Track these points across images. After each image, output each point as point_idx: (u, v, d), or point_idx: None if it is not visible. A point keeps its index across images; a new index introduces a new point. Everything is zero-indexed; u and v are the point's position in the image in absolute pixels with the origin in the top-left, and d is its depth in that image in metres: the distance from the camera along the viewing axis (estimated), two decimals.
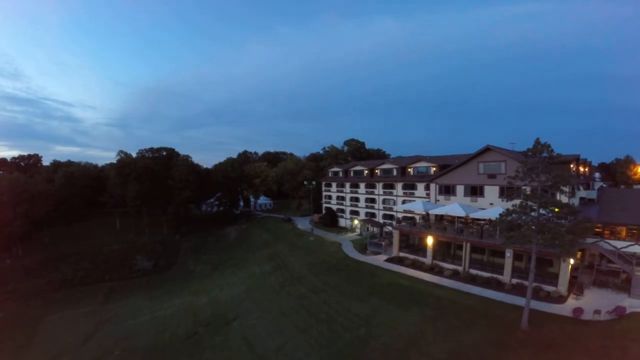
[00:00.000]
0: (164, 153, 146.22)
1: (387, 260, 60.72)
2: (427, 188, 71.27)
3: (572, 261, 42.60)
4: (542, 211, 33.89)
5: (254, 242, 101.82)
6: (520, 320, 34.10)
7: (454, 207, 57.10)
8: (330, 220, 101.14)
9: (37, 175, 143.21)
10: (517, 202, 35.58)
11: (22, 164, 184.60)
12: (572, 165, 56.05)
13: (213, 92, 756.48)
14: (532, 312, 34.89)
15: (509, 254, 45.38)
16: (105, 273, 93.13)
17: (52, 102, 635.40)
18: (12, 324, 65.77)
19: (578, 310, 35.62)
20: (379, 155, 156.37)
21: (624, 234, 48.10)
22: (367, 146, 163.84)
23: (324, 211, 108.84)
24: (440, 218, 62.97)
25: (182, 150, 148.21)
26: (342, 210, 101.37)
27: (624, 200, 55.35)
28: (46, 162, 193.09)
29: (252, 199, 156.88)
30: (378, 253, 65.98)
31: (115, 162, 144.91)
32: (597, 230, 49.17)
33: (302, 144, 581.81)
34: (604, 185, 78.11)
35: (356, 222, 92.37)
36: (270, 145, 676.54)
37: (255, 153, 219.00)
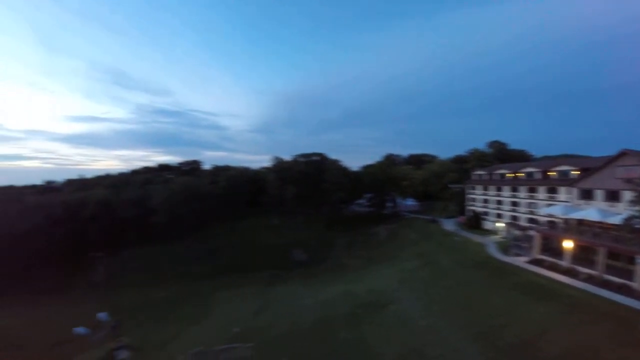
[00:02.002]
0: (316, 158, 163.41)
1: (527, 262, 66.42)
2: (569, 192, 74.63)
3: None
4: None
5: (403, 241, 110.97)
6: None
7: (590, 212, 61.26)
8: (475, 222, 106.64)
9: (202, 178, 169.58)
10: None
11: (186, 168, 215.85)
12: None
13: (347, 94, 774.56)
14: None
15: (639, 260, 48.90)
16: (265, 262, 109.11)
17: (198, 112, 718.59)
18: (185, 299, 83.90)
19: None
20: (522, 157, 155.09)
21: None
22: (511, 146, 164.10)
23: (468, 213, 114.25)
24: (580, 222, 66.36)
25: (324, 152, 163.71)
26: (486, 213, 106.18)
27: None
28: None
29: (399, 201, 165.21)
30: (519, 255, 71.46)
31: (270, 166, 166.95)
32: None
33: (439, 143, 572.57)
34: None
35: (500, 224, 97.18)
36: (405, 146, 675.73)
37: (399, 156, 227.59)
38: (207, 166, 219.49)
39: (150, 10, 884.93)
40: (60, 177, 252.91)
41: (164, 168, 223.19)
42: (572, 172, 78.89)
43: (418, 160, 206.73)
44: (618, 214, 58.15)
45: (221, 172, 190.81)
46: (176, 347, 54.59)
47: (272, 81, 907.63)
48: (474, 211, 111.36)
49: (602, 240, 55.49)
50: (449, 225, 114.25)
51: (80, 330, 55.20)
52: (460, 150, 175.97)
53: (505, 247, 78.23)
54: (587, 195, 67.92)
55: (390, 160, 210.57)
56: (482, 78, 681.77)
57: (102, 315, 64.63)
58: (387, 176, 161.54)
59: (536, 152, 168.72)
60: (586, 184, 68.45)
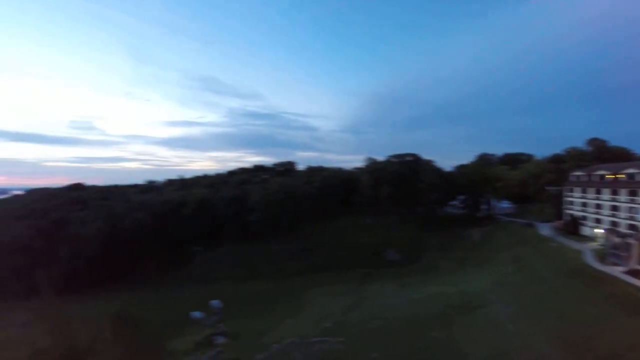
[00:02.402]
0: (409, 158, 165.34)
1: (625, 272, 65.04)
2: None
3: None
4: None
5: (497, 244, 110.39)
6: None
7: None
8: (572, 227, 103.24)
9: (297, 179, 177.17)
10: None
11: (280, 169, 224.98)
12: None
13: (436, 91, 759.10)
14: None
15: None
16: (358, 261, 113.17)
17: (289, 114, 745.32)
18: (279, 294, 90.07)
19: None
20: (625, 155, 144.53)
21: None
22: (612, 143, 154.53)
23: (566, 218, 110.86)
24: None
25: (413, 151, 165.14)
26: (584, 218, 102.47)
27: None
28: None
29: (493, 203, 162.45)
30: (617, 264, 69.82)
31: (363, 166, 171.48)
32: None
33: (534, 141, 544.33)
34: None
35: (598, 230, 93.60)
36: (500, 144, 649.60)
37: (493, 155, 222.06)
38: (300, 167, 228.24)
39: (237, 18, 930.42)
40: (159, 178, 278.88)
41: (259, 169, 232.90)
42: None
43: (513, 160, 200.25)
44: None
45: (315, 172, 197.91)
46: (270, 337, 60.44)
47: (360, 81, 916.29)
48: (571, 215, 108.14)
49: None
50: (545, 229, 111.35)
51: (196, 314, 62.70)
52: (559, 148, 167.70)
53: (602, 256, 76.37)
54: None
55: (484, 160, 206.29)
56: (581, 70, 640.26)
57: (215, 303, 72.15)
58: (481, 177, 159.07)
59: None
60: None
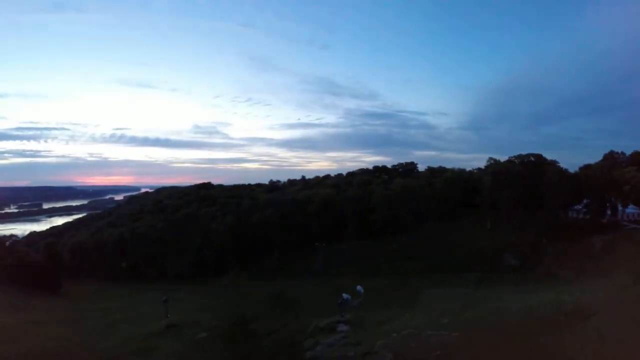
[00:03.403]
0: (532, 158, 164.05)
1: None
2: None
3: None
4: None
5: (619, 254, 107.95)
6: None
7: None
8: None
9: (419, 180, 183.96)
10: None
11: (401, 170, 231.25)
12: None
13: (566, 80, 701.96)
14: None
15: None
16: (475, 264, 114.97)
17: (406, 113, 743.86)
18: (397, 290, 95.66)
19: None
20: None
21: None
22: None
23: None
24: None
25: (539, 149, 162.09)
26: None
27: None
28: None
29: (619, 208, 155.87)
30: None
31: (484, 167, 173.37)
32: None
33: None
34: None
35: None
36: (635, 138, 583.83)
37: (623, 153, 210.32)
38: (420, 166, 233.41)
39: (350, 20, 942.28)
40: (279, 177, 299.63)
41: (379, 169, 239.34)
42: None
43: None
44: None
45: (437, 173, 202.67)
46: (389, 327, 68.93)
47: (477, 75, 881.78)
48: None
49: None
50: None
51: (346, 296, 73.50)
52: None
53: None
54: None
55: (611, 160, 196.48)
56: None
57: (359, 287, 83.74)
58: (607, 179, 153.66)
59: None
60: None
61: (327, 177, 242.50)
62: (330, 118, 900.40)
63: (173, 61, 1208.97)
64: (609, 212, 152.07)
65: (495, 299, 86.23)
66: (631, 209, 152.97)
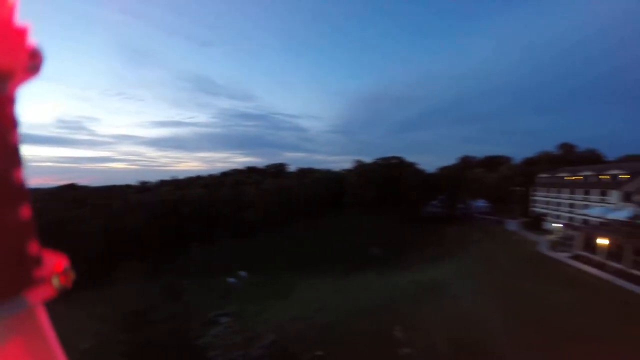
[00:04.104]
0: (394, 161, 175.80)
1: (569, 257, 75.24)
2: (616, 195, 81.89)
3: None
4: None
5: (469, 240, 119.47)
6: None
7: (620, 213, 69.03)
8: (535, 223, 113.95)
9: (290, 180, 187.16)
10: None
11: (272, 170, 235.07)
12: None
13: (435, 92, 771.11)
14: None
15: None
16: (344, 257, 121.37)
17: (279, 115, 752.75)
18: (273, 283, 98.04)
19: None
20: (592, 158, 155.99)
21: None
22: (587, 146, 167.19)
23: (531, 215, 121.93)
24: (624, 223, 73.64)
25: (404, 153, 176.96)
26: (546, 214, 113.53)
27: None
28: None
29: (470, 202, 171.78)
30: (564, 251, 79.97)
31: (352, 168, 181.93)
32: None
33: (526, 141, 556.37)
34: None
35: (556, 225, 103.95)
36: (493, 145, 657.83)
37: (474, 157, 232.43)
38: (290, 167, 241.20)
39: (233, 20, 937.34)
40: (146, 178, 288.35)
41: (251, 170, 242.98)
42: (621, 177, 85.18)
43: (492, 162, 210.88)
44: None
45: (307, 173, 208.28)
46: (269, 315, 69.42)
47: (351, 82, 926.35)
48: (535, 212, 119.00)
49: (629, 238, 63.43)
50: (512, 226, 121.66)
51: (231, 280, 69.72)
52: (541, 148, 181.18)
53: (554, 245, 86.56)
54: (627, 197, 75.00)
55: (465, 163, 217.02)
56: (589, 71, 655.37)
57: (242, 273, 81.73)
58: (459, 179, 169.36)
59: (617, 151, 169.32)
60: (629, 187, 75.56)
61: (199, 177, 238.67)
62: (202, 117, 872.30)
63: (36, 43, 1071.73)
64: (461, 206, 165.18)
65: (362, 284, 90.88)
66: (481, 203, 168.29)
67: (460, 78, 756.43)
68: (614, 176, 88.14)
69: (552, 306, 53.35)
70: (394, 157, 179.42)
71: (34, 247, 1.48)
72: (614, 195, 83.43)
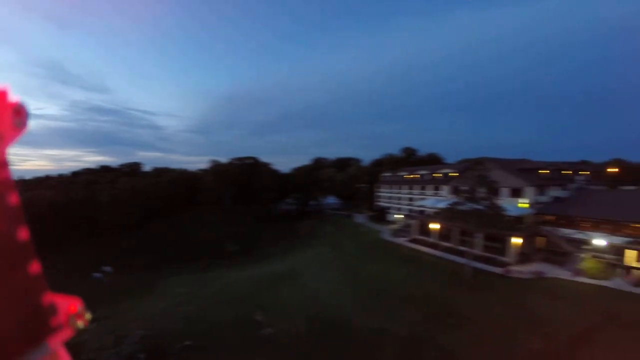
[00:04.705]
0: (249, 161, 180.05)
1: (407, 241, 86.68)
2: (446, 189, 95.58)
3: (517, 240, 65.59)
4: (474, 204, 59.82)
5: (321, 232, 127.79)
6: (469, 273, 60.72)
7: (446, 202, 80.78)
8: (380, 215, 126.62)
9: (146, 179, 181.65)
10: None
11: (126, 170, 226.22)
12: (547, 171, 79.71)
13: (292, 96, 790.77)
14: (481, 271, 61.75)
15: (477, 235, 69.13)
16: (202, 253, 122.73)
17: (136, 111, 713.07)
18: (131, 284, 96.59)
19: (507, 270, 60.99)
20: (433, 160, 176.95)
21: (579, 224, 69.38)
22: (425, 151, 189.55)
23: (376, 209, 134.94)
24: (450, 210, 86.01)
25: (262, 154, 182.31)
26: (389, 208, 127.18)
27: (589, 199, 76.35)
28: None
29: (322, 199, 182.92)
30: (404, 237, 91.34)
31: (208, 168, 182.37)
32: (552, 220, 72.50)
33: (376, 145, 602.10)
34: (592, 186, 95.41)
35: (398, 216, 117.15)
36: (346, 147, 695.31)
37: (326, 159, 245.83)
38: (146, 167, 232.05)
39: (98, 5, 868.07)
40: None
41: (105, 169, 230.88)
42: (451, 174, 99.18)
43: (343, 163, 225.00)
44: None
45: (162, 173, 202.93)
46: (136, 313, 68.19)
47: (211, 82, 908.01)
48: (380, 206, 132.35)
49: (455, 222, 74.77)
50: (359, 219, 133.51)
51: (97, 275, 65.81)
52: (389, 151, 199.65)
53: (395, 232, 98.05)
54: (455, 191, 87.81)
55: (318, 164, 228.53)
56: (414, 86, 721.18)
57: (107, 268, 77.24)
58: (313, 178, 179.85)
59: (458, 156, 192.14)
60: (456, 182, 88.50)
61: (48, 177, 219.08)
62: (53, 109, 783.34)
63: None
64: (313, 202, 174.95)
65: (222, 277, 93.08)
66: (332, 200, 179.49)
67: (317, 85, 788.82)
68: (446, 174, 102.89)
69: (391, 279, 62.24)
70: (249, 157, 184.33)
71: (47, 297, 1.67)
72: (445, 189, 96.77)
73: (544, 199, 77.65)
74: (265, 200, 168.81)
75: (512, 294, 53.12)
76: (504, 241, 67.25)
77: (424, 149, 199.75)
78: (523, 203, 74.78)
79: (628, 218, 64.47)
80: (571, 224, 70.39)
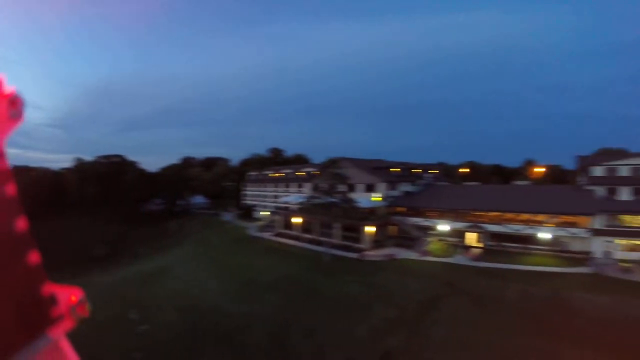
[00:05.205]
0: (116, 160, 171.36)
1: (273, 235, 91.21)
2: (308, 186, 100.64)
3: (371, 229, 72.40)
4: (331, 199, 65.30)
5: (189, 231, 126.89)
6: (328, 260, 66.52)
7: (307, 198, 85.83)
8: (247, 213, 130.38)
9: None
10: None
11: None
12: (398, 170, 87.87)
13: (161, 92, 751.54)
14: (340, 257, 67.98)
15: (335, 226, 74.73)
16: (67, 259, 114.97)
17: None
18: None
19: (362, 255, 67.72)
20: (299, 160, 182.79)
21: (427, 214, 79.54)
22: (292, 152, 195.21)
23: (243, 206, 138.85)
24: (311, 205, 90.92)
25: (130, 152, 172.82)
26: (256, 205, 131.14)
27: (436, 193, 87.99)
28: None
29: (190, 199, 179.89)
30: (270, 232, 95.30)
31: (72, 167, 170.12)
32: (402, 211, 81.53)
33: (247, 145, 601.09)
34: (440, 183, 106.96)
35: (264, 213, 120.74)
36: (217, 147, 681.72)
37: (195, 158, 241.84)
38: None
39: None
40: None
41: None
42: (313, 172, 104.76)
43: (212, 163, 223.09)
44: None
45: (22, 172, 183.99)
46: None
47: (80, 71, 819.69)
48: (246, 204, 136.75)
49: (315, 215, 79.72)
50: (227, 217, 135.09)
51: None
52: (259, 152, 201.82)
53: (262, 228, 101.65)
54: (316, 187, 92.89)
55: (186, 163, 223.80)
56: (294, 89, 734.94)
57: None
58: (181, 178, 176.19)
59: (324, 156, 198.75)
60: (317, 180, 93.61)
61: None
62: None
63: None
64: (182, 202, 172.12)
65: (91, 283, 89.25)
66: (200, 199, 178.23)
67: (191, 82, 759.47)
68: (309, 172, 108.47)
69: (257, 269, 65.93)
70: (115, 156, 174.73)
71: (47, 288, 1.80)
72: (307, 187, 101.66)
73: (395, 193, 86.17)
74: (133, 201, 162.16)
75: (367, 274, 59.35)
76: (359, 230, 74.01)
77: (292, 150, 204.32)
78: (376, 197, 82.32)
79: (468, 207, 76.67)
80: (420, 213, 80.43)
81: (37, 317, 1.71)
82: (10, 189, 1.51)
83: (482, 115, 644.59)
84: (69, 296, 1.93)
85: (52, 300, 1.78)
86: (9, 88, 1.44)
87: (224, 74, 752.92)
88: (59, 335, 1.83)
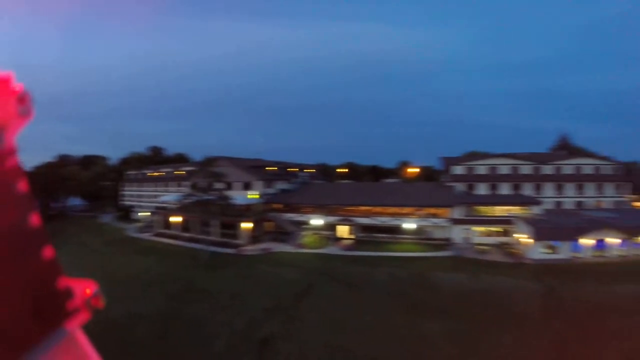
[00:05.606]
0: None
1: (152, 235, 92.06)
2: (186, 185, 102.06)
3: (248, 225, 76.34)
4: (208, 197, 69.23)
5: (66, 235, 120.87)
6: (206, 256, 69.52)
7: (185, 197, 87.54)
8: (126, 214, 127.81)
9: None
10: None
11: None
12: (275, 169, 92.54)
13: (29, 84, 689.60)
14: (219, 254, 71.26)
15: (214, 224, 77.74)
16: None
17: None
18: None
19: (239, 250, 72.05)
20: (180, 159, 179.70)
21: (302, 209, 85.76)
22: (173, 150, 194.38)
23: (121, 207, 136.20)
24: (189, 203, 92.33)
25: None
26: (135, 205, 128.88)
27: (311, 190, 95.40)
28: None
29: (66, 200, 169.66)
30: (148, 232, 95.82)
31: None
32: (279, 207, 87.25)
33: (128, 144, 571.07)
34: (317, 181, 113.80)
35: (144, 214, 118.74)
36: (95, 145, 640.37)
37: (72, 156, 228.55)
38: None
39: None
40: None
41: None
42: (192, 171, 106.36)
43: (90, 161, 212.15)
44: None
45: None
46: None
47: None
48: (125, 205, 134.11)
49: (193, 214, 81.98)
50: (105, 218, 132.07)
51: None
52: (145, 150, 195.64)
53: (141, 229, 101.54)
54: (194, 186, 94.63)
55: (62, 161, 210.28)
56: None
57: None
58: (56, 177, 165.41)
59: (204, 154, 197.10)
60: (195, 178, 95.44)
61: None
62: None
63: None
64: (57, 204, 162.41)
65: None
66: (77, 201, 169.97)
67: (62, 73, 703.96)
68: (188, 171, 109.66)
69: (136, 268, 67.05)
70: None
71: (62, 282, 1.79)
72: (186, 186, 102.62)
73: (272, 191, 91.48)
74: None
75: (244, 268, 63.71)
76: (237, 227, 78.13)
77: (173, 149, 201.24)
78: (253, 194, 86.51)
79: (340, 203, 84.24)
80: (295, 209, 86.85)
81: (53, 311, 1.78)
82: (23, 186, 1.54)
83: (364, 119, 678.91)
84: (83, 289, 2.04)
85: (68, 293, 1.86)
86: (18, 85, 1.52)
87: (97, 65, 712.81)
88: (75, 328, 1.93)
